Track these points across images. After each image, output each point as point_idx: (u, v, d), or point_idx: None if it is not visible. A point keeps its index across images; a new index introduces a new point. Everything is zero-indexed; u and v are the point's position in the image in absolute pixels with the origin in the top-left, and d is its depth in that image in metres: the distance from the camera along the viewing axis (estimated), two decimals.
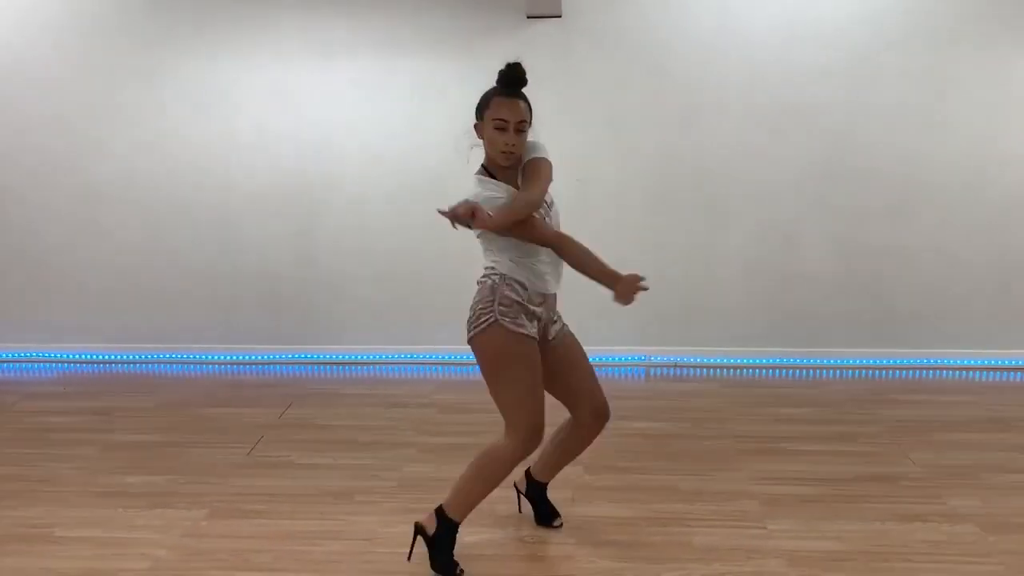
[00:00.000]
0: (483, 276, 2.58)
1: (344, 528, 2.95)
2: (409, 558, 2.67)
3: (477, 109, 2.52)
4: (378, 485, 3.27)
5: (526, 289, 2.53)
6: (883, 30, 4.36)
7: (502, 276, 2.52)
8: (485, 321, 2.49)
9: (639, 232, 4.64)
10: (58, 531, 2.94)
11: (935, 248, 4.57)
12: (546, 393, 2.59)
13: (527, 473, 2.95)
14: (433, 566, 2.62)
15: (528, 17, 4.34)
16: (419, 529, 2.65)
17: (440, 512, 2.62)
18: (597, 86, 4.47)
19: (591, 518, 2.97)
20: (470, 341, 2.54)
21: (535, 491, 2.95)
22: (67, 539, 2.88)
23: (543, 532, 2.90)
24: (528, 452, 2.55)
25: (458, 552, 2.63)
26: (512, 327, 2.49)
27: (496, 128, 2.46)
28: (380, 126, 4.61)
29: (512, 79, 2.48)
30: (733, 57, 4.43)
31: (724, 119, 4.50)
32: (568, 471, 3.30)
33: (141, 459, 3.56)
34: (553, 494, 3.18)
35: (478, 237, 2.58)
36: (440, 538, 2.61)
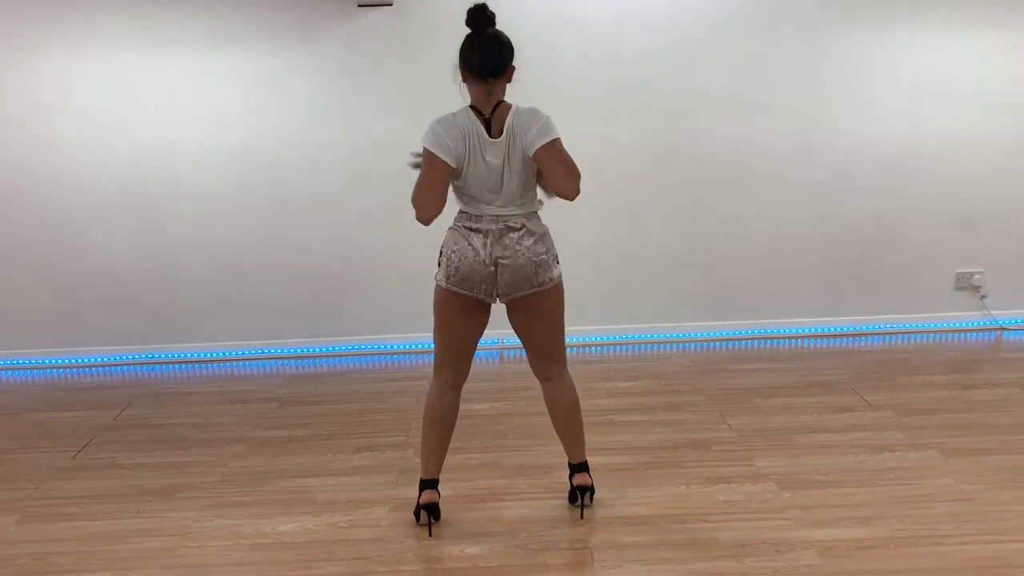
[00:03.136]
0: (535, 225, 2.76)
1: (158, 525, 2.92)
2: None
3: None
4: (201, 481, 3.25)
5: None
6: (706, 14, 4.51)
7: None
8: (559, 268, 2.76)
9: None
10: None
11: (767, 222, 4.76)
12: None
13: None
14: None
15: (359, 6, 4.34)
16: (587, 489, 2.91)
17: (587, 466, 2.95)
18: (429, 74, 4.45)
19: (411, 500, 2.98)
20: (552, 284, 2.74)
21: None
22: None
23: (359, 515, 2.93)
24: None
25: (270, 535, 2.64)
26: None
27: None
28: (216, 118, 4.52)
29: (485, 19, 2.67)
30: (565, 42, 4.51)
31: (560, 104, 4.52)
32: (395, 455, 3.37)
33: None
34: (377, 478, 3.24)
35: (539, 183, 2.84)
36: None
